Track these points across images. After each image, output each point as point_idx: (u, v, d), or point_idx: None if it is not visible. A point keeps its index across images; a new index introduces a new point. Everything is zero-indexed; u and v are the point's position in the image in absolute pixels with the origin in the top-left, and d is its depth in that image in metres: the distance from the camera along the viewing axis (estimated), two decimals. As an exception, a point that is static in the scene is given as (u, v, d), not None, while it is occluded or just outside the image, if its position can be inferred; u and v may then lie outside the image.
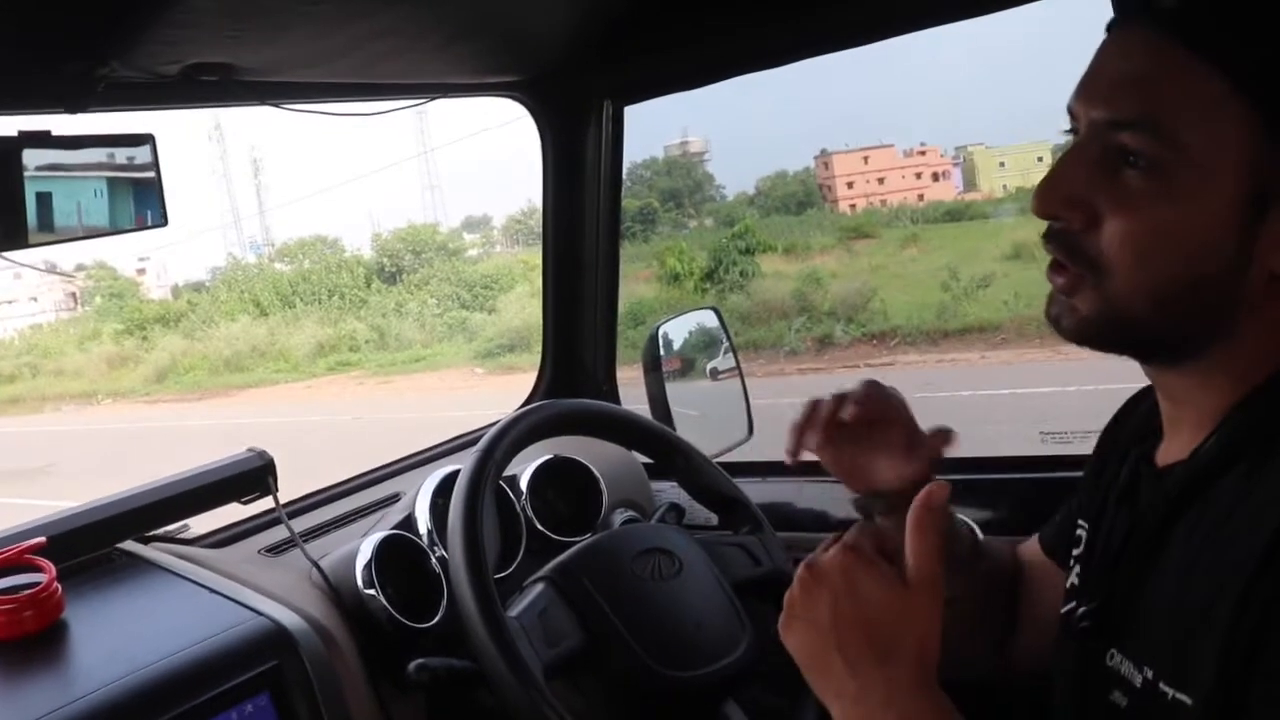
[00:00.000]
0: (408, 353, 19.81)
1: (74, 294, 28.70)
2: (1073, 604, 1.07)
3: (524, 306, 18.60)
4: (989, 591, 1.29)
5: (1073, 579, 1.10)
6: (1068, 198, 0.90)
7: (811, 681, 0.92)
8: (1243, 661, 0.77)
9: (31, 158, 1.27)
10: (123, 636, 1.27)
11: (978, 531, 1.35)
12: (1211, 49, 0.83)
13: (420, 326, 20.83)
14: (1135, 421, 1.13)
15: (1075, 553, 1.12)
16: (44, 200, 1.29)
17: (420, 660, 1.25)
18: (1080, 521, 1.14)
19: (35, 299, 28.45)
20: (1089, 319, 0.92)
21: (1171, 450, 0.98)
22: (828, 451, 1.21)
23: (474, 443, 1.34)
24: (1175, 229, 0.85)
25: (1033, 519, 1.59)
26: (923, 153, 22.50)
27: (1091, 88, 0.90)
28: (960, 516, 1.31)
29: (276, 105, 1.62)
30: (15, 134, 1.27)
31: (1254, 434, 0.87)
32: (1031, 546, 1.32)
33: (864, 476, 1.22)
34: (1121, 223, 0.87)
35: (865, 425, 1.19)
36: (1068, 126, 0.96)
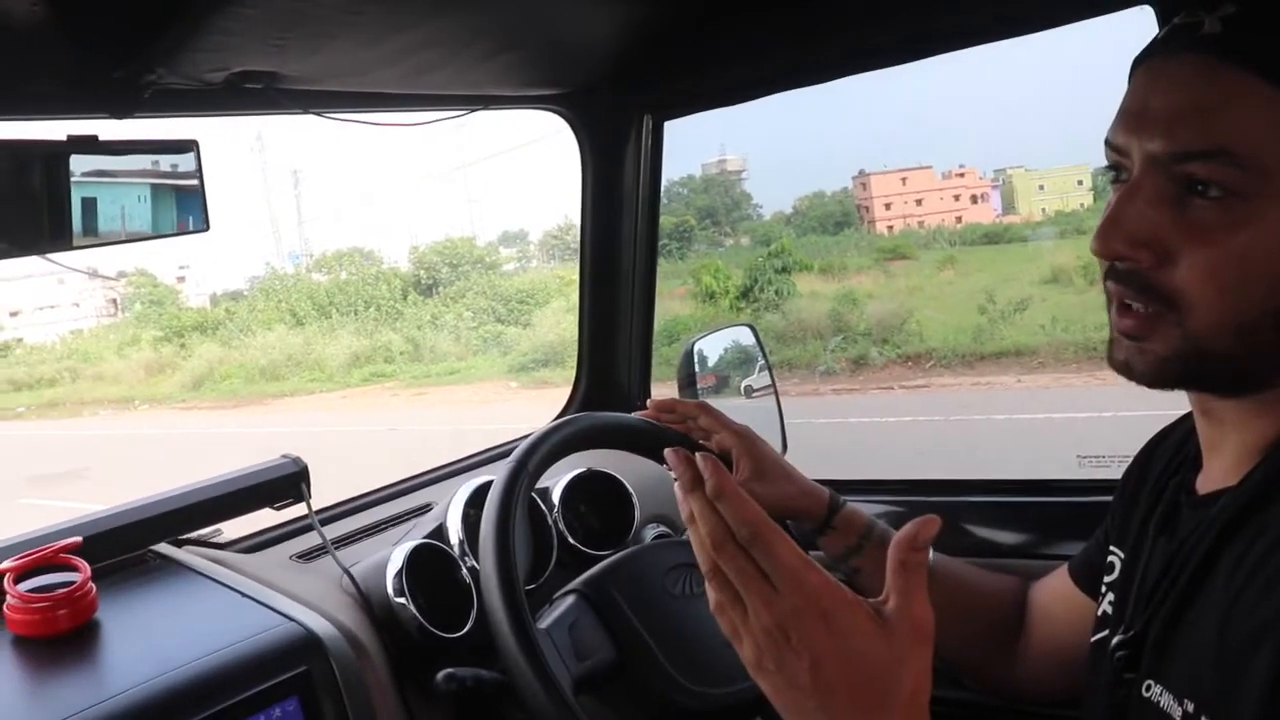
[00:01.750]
0: (442, 365, 19.89)
1: (115, 300, 29.06)
2: (1104, 633, 1.06)
3: (559, 321, 18.64)
4: (967, 611, 1.32)
5: (1105, 607, 1.09)
6: (1134, 237, 0.88)
7: None
8: None
9: (78, 163, 1.29)
10: (154, 637, 1.27)
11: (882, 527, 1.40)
12: (1273, 68, 0.82)
13: (455, 339, 20.91)
14: (1166, 452, 1.12)
15: (1108, 580, 1.11)
16: (89, 205, 1.30)
17: (449, 670, 1.25)
18: (1113, 549, 1.13)
19: (78, 304, 28.82)
20: (1167, 359, 0.89)
21: (1213, 477, 0.97)
22: None
23: (506, 454, 1.34)
24: (1258, 256, 0.84)
25: (1065, 542, 1.58)
26: (961, 175, 22.40)
27: (1145, 121, 0.88)
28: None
29: (320, 114, 1.63)
30: (64, 138, 1.28)
31: None
32: (1059, 577, 1.31)
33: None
34: (1201, 255, 0.85)
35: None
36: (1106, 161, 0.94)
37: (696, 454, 0.84)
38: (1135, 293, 0.89)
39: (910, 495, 1.86)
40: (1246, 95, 0.82)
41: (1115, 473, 1.23)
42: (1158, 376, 0.91)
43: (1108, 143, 0.92)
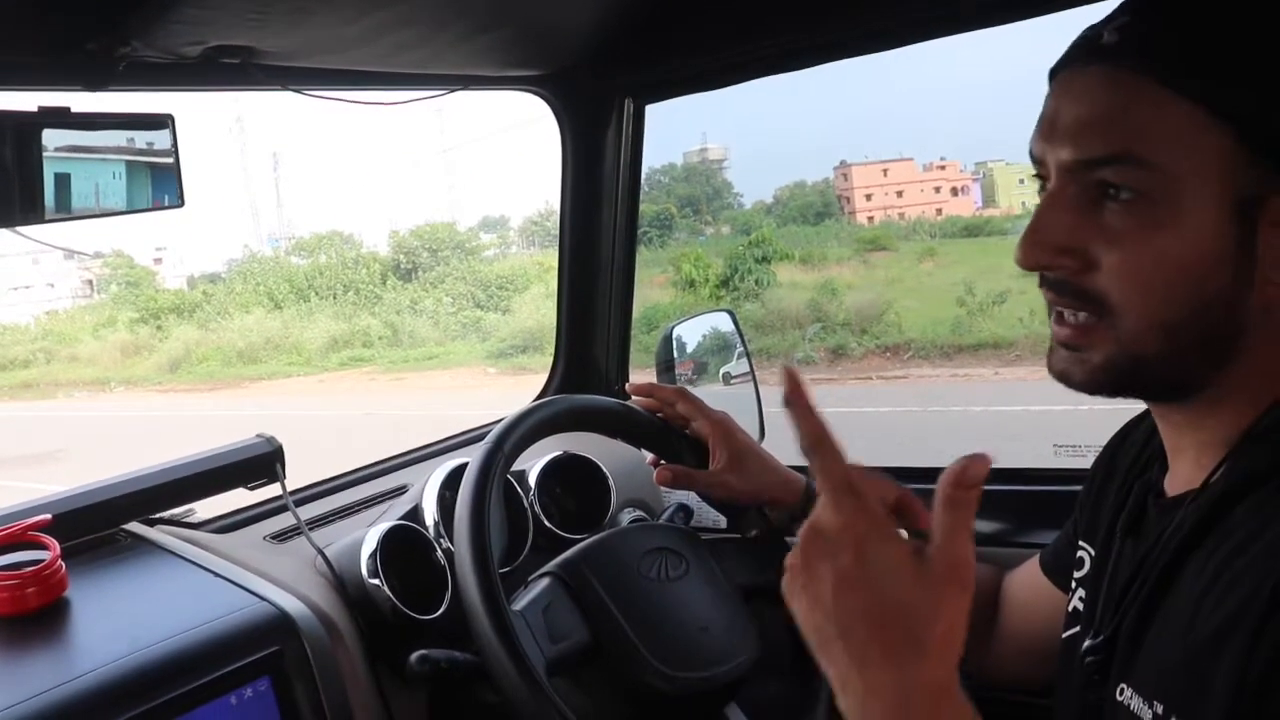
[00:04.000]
0: (421, 350, 19.85)
1: (90, 281, 28.85)
2: (1075, 629, 1.07)
3: (538, 308, 18.63)
4: None
5: (1075, 603, 1.10)
6: (1055, 245, 0.90)
7: (818, 659, 0.78)
8: (1254, 700, 0.75)
9: (51, 138, 1.27)
10: (125, 616, 1.26)
11: None
12: (1167, 74, 0.84)
13: (434, 325, 20.88)
14: (1133, 446, 1.13)
15: (1078, 575, 1.12)
16: (62, 180, 1.28)
17: (422, 651, 1.24)
18: (1082, 544, 1.13)
19: (52, 285, 28.60)
20: (1102, 366, 0.91)
21: (1179, 479, 0.98)
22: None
23: (483, 437, 1.33)
24: (1172, 253, 0.85)
25: (1041, 530, 1.59)
26: (942, 167, 22.50)
27: (1055, 131, 0.91)
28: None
29: (297, 90, 1.61)
30: (35, 109, 1.26)
31: (1266, 464, 0.86)
32: (1030, 568, 1.32)
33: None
34: (1119, 258, 0.87)
35: None
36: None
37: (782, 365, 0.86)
38: (1068, 299, 0.91)
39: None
40: (1146, 100, 0.85)
41: (1089, 462, 1.24)
42: (1094, 384, 0.92)
43: (1030, 153, 0.95)
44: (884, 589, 0.74)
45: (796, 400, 0.80)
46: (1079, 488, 1.22)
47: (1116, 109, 0.86)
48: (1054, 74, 0.94)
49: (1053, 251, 0.90)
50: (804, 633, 0.78)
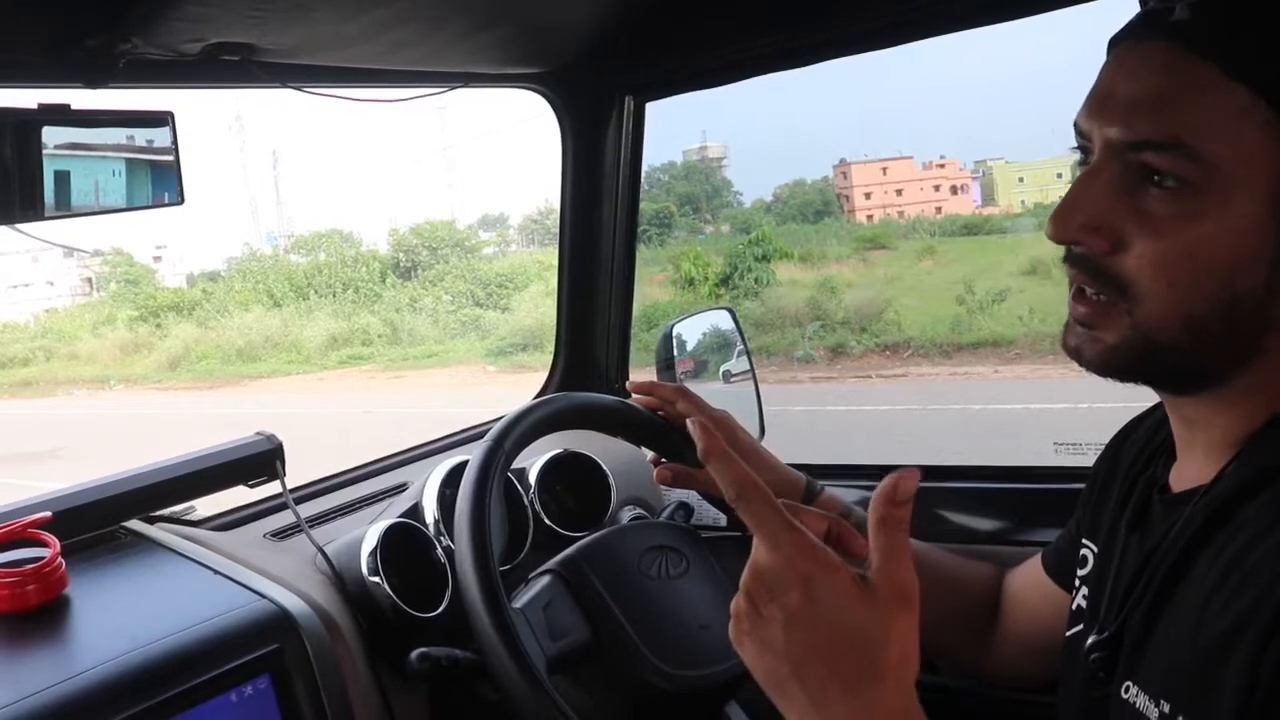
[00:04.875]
0: (420, 348, 19.84)
1: (90, 279, 28.83)
2: (1079, 628, 1.06)
3: (537, 306, 18.61)
4: (941, 598, 1.29)
5: (1079, 601, 1.09)
6: (1088, 222, 0.88)
7: (774, 702, 0.78)
8: (1265, 702, 0.74)
9: (51, 135, 1.27)
10: (125, 614, 1.26)
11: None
12: (1232, 61, 0.81)
13: (434, 323, 20.87)
14: (1136, 443, 1.12)
15: (1081, 573, 1.10)
16: (62, 178, 1.28)
17: (423, 649, 1.24)
18: (1085, 542, 1.12)
19: (52, 283, 28.58)
20: (1116, 348, 0.89)
21: (1186, 474, 0.97)
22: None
23: (483, 434, 1.33)
24: (1208, 247, 0.83)
25: (1042, 529, 1.59)
26: (942, 165, 22.47)
27: (1106, 107, 0.88)
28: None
29: (297, 88, 1.61)
30: (35, 106, 1.26)
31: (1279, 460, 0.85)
32: (1032, 566, 1.31)
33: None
34: (1151, 245, 0.85)
35: None
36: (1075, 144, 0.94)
37: (688, 419, 0.84)
38: (1089, 277, 0.89)
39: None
40: (1203, 86, 0.82)
41: (1091, 460, 1.23)
42: (1105, 365, 0.91)
43: (1075, 125, 0.92)
44: (835, 622, 0.73)
45: (714, 450, 0.79)
46: (1081, 486, 1.21)
47: (1171, 92, 0.83)
48: (1113, 44, 0.91)
49: (1084, 228, 0.88)
50: (757, 677, 0.78)
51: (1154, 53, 0.85)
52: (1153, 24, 0.87)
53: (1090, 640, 0.98)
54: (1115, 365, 0.90)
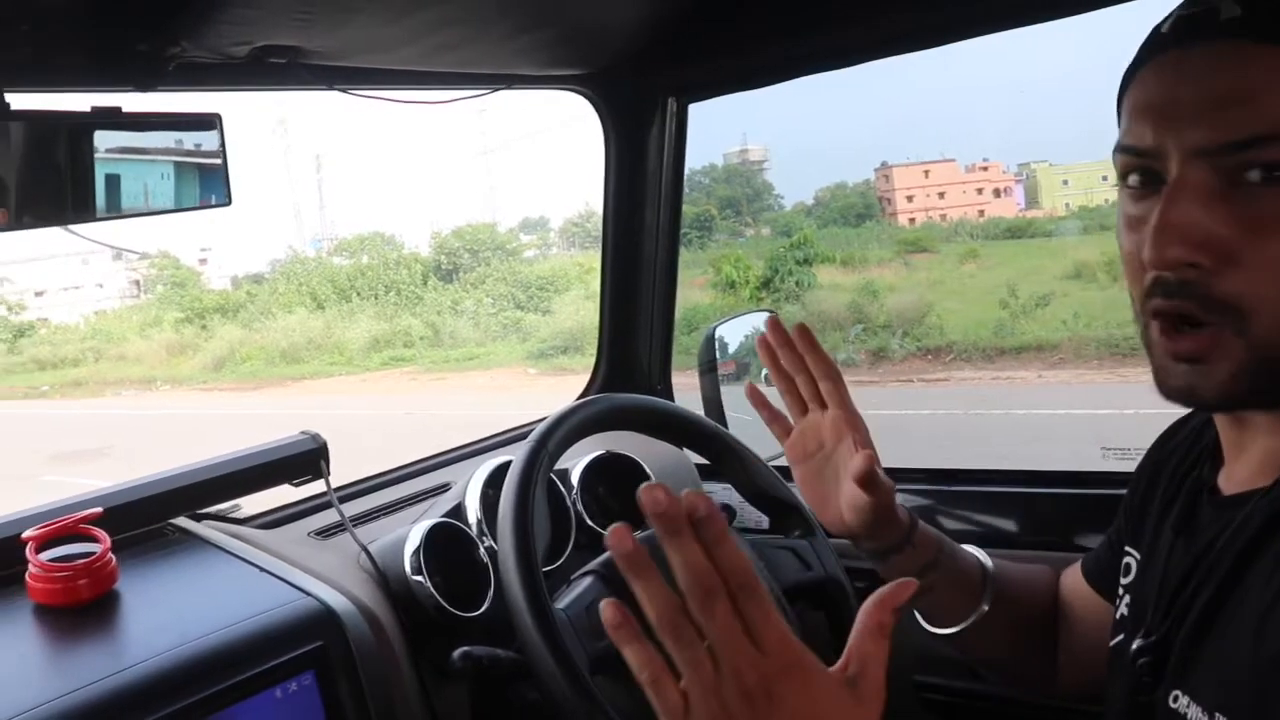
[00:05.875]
0: (461, 351, 19.91)
1: (137, 281, 29.19)
2: (1121, 637, 1.03)
3: (578, 309, 18.62)
4: (1018, 613, 1.27)
5: (1122, 610, 1.06)
6: (1190, 239, 0.81)
7: None
8: None
9: (103, 139, 1.29)
10: (173, 609, 1.28)
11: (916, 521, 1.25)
12: None
13: (475, 325, 20.93)
14: (1180, 447, 1.08)
15: (1124, 582, 1.07)
16: (112, 181, 1.30)
17: (465, 648, 1.24)
18: (1128, 549, 1.09)
19: (101, 285, 28.97)
20: (1235, 376, 0.83)
21: (1238, 478, 0.93)
22: (800, 472, 1.24)
23: (526, 435, 1.33)
24: None
25: (1090, 535, 1.56)
26: (985, 168, 22.24)
27: (1179, 114, 0.82)
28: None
29: (343, 90, 1.62)
30: (88, 109, 1.28)
31: None
32: (1073, 574, 1.28)
33: (829, 505, 1.22)
34: (1269, 249, 0.79)
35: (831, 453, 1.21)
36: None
37: (684, 491, 0.75)
38: (1198, 305, 0.82)
39: (934, 484, 1.84)
40: None
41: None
42: (1226, 398, 0.85)
43: (1128, 149, 0.87)
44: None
45: (723, 535, 0.74)
46: (1122, 491, 1.19)
47: (1257, 84, 0.79)
48: (1150, 56, 0.87)
49: (1190, 247, 0.81)
50: None
51: (1216, 52, 0.82)
52: (1200, 26, 0.83)
53: (1136, 644, 0.95)
54: (1235, 396, 0.85)
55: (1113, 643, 1.05)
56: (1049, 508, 1.73)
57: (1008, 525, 1.77)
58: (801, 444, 1.23)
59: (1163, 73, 0.85)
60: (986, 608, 1.23)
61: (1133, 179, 0.87)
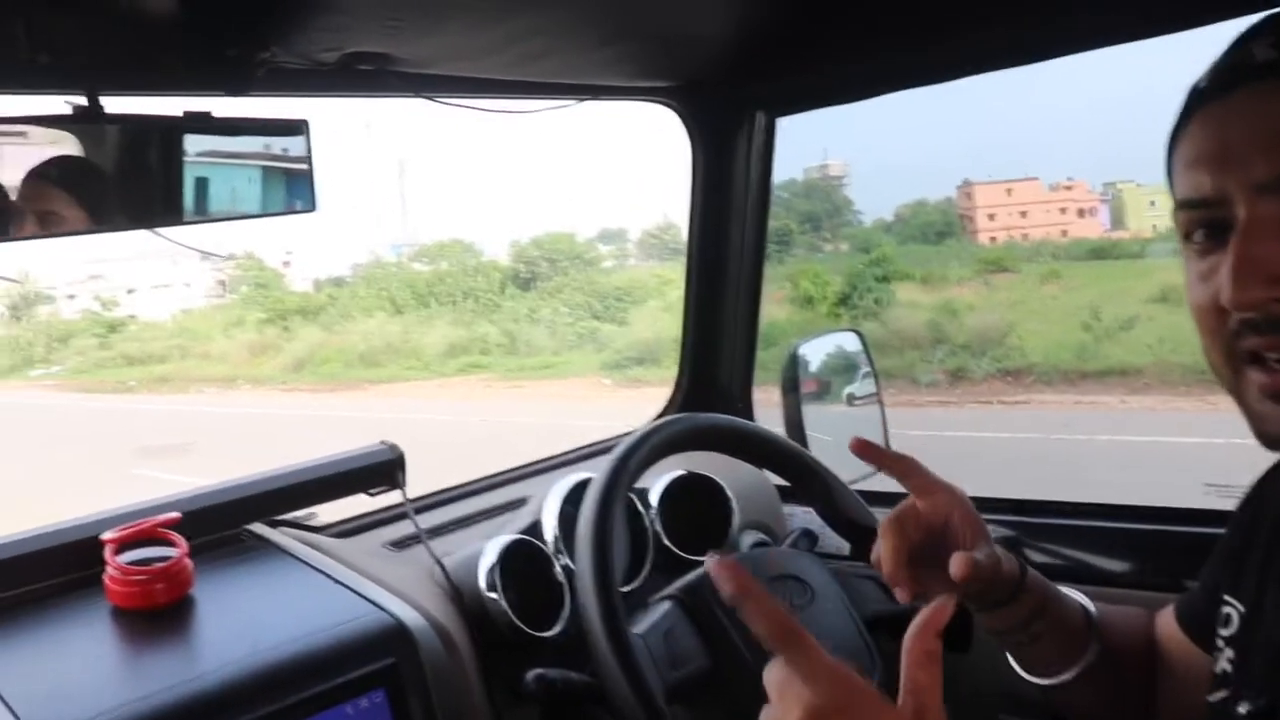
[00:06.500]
0: (537, 359, 20.04)
1: (223, 281, 29.83)
2: (1225, 694, 0.97)
3: (655, 320, 18.65)
4: (1120, 663, 1.20)
5: (1223, 665, 1.00)
6: (1273, 275, 0.80)
7: None
8: None
9: (192, 143, 1.30)
10: (247, 617, 1.28)
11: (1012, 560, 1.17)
12: None
13: (551, 334, 21.06)
14: None
15: (1224, 633, 1.02)
16: (201, 184, 1.32)
17: (539, 670, 1.22)
18: (1228, 599, 1.03)
19: (189, 284, 29.67)
20: None
21: None
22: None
23: (604, 451, 1.31)
24: None
25: (1178, 574, 1.49)
26: (1069, 188, 21.90)
27: (1233, 155, 0.82)
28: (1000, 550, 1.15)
29: (430, 98, 1.61)
30: (180, 114, 1.29)
31: None
32: (1168, 621, 1.21)
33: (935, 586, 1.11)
34: None
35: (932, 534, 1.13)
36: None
37: (709, 557, 0.86)
38: None
39: (1018, 515, 1.79)
40: None
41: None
42: None
43: (1189, 203, 0.86)
44: None
45: (752, 592, 0.82)
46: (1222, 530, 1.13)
47: None
48: (1192, 113, 0.88)
49: (1273, 283, 0.80)
50: None
51: (1257, 95, 0.82)
52: (1238, 73, 0.84)
53: (1245, 708, 0.91)
54: None
55: (1213, 698, 1.00)
56: (1141, 544, 1.67)
57: (1095, 561, 1.71)
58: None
59: (1209, 123, 0.85)
60: (1092, 659, 1.17)
61: (1197, 236, 0.87)
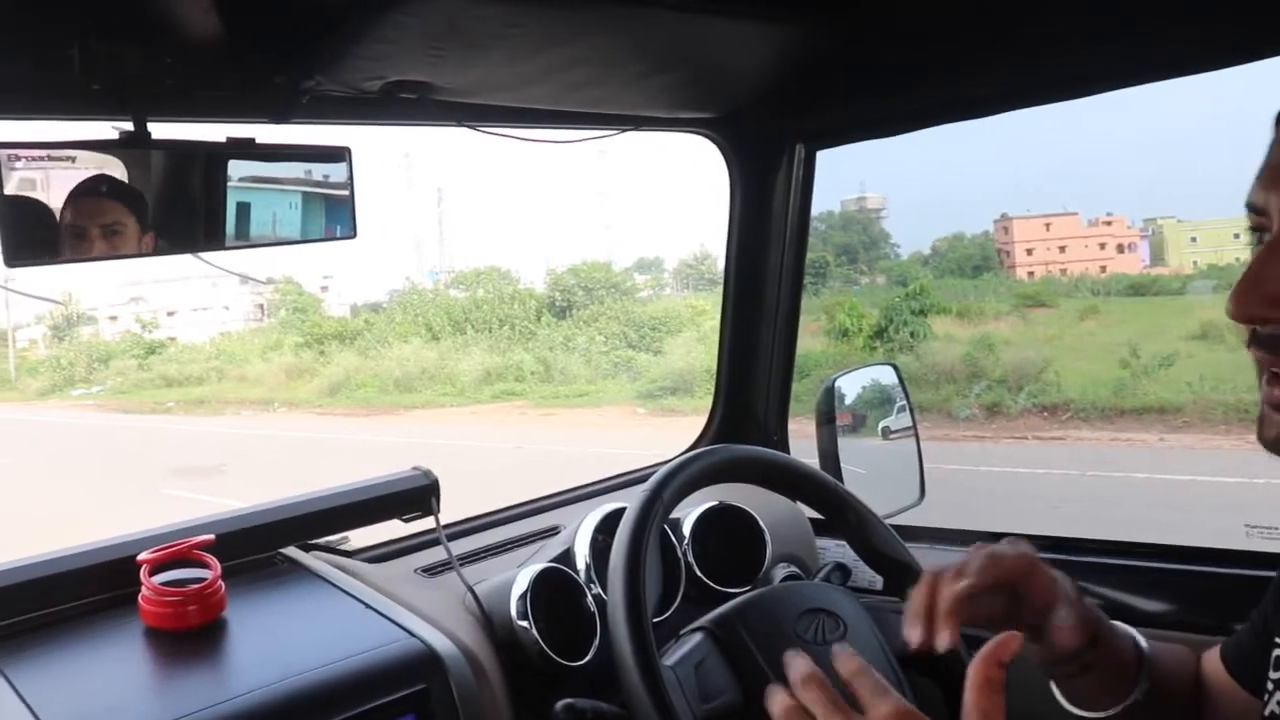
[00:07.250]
0: (571, 387, 20.06)
1: (261, 305, 30.17)
2: None
3: (689, 350, 18.64)
4: (1168, 700, 1.17)
5: (1273, 708, 0.98)
6: (1274, 296, 0.82)
7: None
8: None
9: (235, 168, 1.31)
10: (279, 641, 1.28)
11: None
12: None
13: (586, 362, 21.08)
14: None
15: (1275, 677, 1.00)
16: (243, 209, 1.33)
17: (569, 701, 1.22)
18: (1278, 640, 1.02)
19: (228, 307, 30.00)
20: None
21: None
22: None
23: (638, 481, 1.31)
24: None
25: (1224, 618, 1.46)
26: (1109, 223, 21.76)
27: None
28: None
29: (471, 126, 1.63)
30: (224, 140, 1.30)
31: None
32: (1213, 661, 1.20)
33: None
34: None
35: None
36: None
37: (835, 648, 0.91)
38: None
39: (1057, 553, 1.76)
40: None
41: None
42: None
43: (1249, 205, 0.87)
44: None
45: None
46: (1270, 572, 1.11)
47: None
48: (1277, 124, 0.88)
49: (1271, 303, 0.82)
50: None
51: None
52: None
53: None
54: None
55: None
56: (1183, 585, 1.64)
57: (1137, 601, 1.68)
58: None
59: (1276, 142, 0.87)
60: (1139, 696, 1.14)
61: (1252, 238, 0.89)
